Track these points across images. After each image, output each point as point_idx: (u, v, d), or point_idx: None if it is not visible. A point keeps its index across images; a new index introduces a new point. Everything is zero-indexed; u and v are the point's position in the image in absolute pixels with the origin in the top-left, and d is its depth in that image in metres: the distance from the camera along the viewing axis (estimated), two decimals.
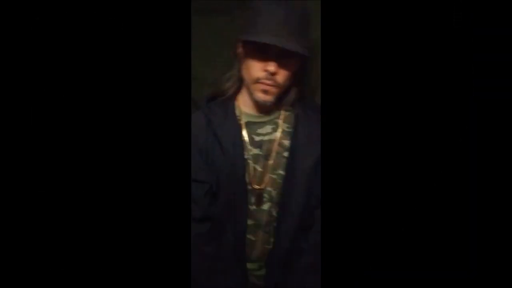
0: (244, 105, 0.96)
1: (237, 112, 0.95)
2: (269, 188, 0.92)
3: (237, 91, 0.97)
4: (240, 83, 0.96)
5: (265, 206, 0.92)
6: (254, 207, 0.92)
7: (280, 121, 0.95)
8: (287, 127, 0.95)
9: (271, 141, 0.93)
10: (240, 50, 0.91)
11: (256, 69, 0.88)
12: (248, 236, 0.92)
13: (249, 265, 0.93)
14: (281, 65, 0.86)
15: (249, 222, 0.92)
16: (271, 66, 0.85)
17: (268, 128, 0.94)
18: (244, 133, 0.94)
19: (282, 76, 0.88)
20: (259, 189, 0.92)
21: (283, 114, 0.95)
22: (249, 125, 0.94)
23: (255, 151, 0.93)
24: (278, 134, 0.94)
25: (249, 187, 0.92)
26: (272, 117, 0.95)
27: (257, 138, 0.94)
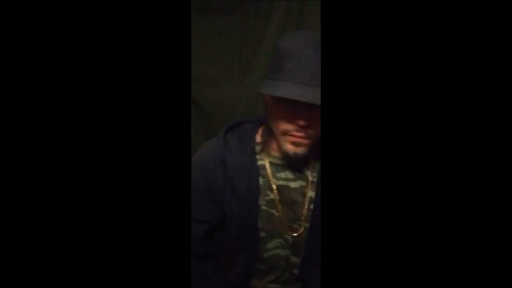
0: (270, 149, 0.86)
1: (259, 155, 0.86)
2: (287, 236, 0.86)
3: (262, 123, 0.88)
4: (269, 133, 0.85)
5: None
6: (270, 253, 0.86)
7: (303, 167, 0.86)
8: (313, 176, 0.87)
9: (292, 189, 0.86)
10: (265, 98, 0.83)
11: (284, 121, 0.79)
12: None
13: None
14: (313, 117, 0.77)
15: (260, 266, 0.87)
16: (301, 121, 0.77)
17: (289, 174, 0.86)
18: (262, 178, 0.85)
19: (315, 128, 0.79)
20: (296, 236, 0.85)
21: (310, 159, 0.86)
22: (270, 166, 0.86)
23: (271, 195, 0.85)
24: (301, 182, 0.86)
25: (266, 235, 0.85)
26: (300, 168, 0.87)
27: (276, 183, 0.85)
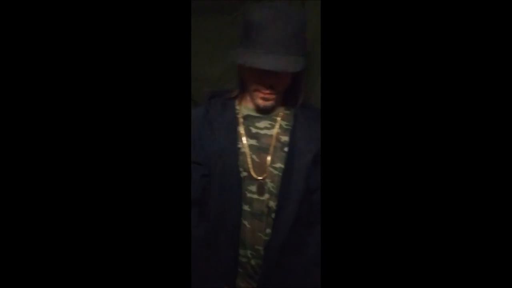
0: (245, 103, 1.01)
1: (237, 108, 1.01)
2: (267, 180, 0.95)
3: (239, 93, 1.02)
4: (242, 87, 1.00)
5: (264, 197, 0.94)
6: (255, 196, 0.94)
7: (278, 118, 0.99)
8: (286, 125, 0.99)
9: (268, 136, 0.97)
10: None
11: (254, 81, 0.94)
12: (244, 221, 0.93)
13: (242, 252, 0.94)
14: (279, 78, 0.92)
15: (245, 208, 0.94)
16: (269, 81, 0.91)
17: (265, 123, 0.98)
18: (241, 125, 0.98)
19: (281, 85, 0.94)
20: (261, 179, 0.94)
21: (282, 112, 1.00)
22: (247, 118, 0.99)
23: (252, 141, 0.97)
24: (275, 129, 0.98)
25: (247, 175, 0.94)
26: (270, 115, 1.00)
27: (254, 130, 0.98)
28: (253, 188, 0.94)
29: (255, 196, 0.94)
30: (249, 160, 0.95)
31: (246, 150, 0.96)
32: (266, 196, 0.94)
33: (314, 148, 0.94)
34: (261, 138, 0.97)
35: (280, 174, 0.94)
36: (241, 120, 0.98)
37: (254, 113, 0.99)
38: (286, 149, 0.96)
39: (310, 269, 0.94)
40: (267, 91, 0.93)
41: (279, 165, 0.95)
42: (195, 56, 0.86)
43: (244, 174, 0.95)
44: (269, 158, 0.95)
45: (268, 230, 0.93)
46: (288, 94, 0.99)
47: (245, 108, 1.00)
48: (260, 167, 0.95)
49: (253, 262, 0.94)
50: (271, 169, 0.95)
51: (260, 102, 0.95)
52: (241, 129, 0.98)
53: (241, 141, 0.97)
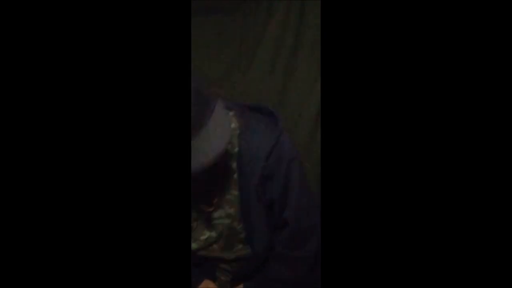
0: None
1: None
2: (225, 206, 0.96)
3: None
4: None
5: (223, 221, 0.97)
6: (217, 221, 0.97)
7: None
8: (231, 150, 0.94)
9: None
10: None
11: None
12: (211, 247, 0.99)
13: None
14: None
15: (212, 234, 0.98)
16: None
17: None
18: None
19: None
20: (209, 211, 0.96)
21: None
22: None
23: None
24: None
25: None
26: None
27: None
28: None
29: (217, 221, 0.96)
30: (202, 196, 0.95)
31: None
32: (227, 220, 0.96)
33: (259, 170, 0.92)
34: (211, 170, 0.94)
35: (236, 200, 0.95)
36: None
37: None
38: (235, 176, 0.94)
39: (274, 265, 0.99)
40: None
41: (233, 192, 0.95)
42: (195, 56, 0.86)
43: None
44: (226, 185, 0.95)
45: (239, 246, 0.98)
46: None
47: None
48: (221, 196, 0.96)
49: (225, 266, 1.01)
50: (228, 196, 0.95)
51: None
52: None
53: None
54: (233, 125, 0.94)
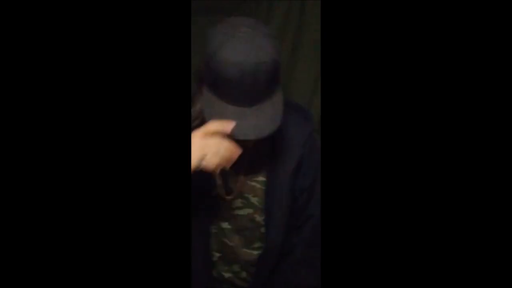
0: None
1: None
2: (247, 195, 0.92)
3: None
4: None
5: (243, 212, 0.92)
6: (236, 211, 0.91)
7: (249, 196, 0.92)
8: (259, 202, 0.92)
9: (241, 216, 0.92)
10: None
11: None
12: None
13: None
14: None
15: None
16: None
17: (238, 203, 0.92)
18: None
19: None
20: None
21: (256, 187, 0.92)
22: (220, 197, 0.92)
23: (224, 224, 0.92)
24: (248, 210, 0.92)
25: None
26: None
27: (227, 211, 0.92)
28: (234, 268, 0.92)
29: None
30: (219, 242, 0.92)
31: (216, 231, 0.92)
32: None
33: (296, 153, 0.89)
34: (234, 219, 0.91)
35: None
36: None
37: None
38: (262, 229, 0.91)
39: (297, 269, 0.92)
40: None
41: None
42: (195, 56, 0.86)
43: (218, 255, 0.93)
44: (241, 240, 0.91)
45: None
46: None
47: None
48: (232, 250, 0.92)
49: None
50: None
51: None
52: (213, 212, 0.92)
53: (213, 223, 0.91)
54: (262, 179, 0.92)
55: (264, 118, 0.77)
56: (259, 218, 0.91)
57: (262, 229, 0.92)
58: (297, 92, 1.23)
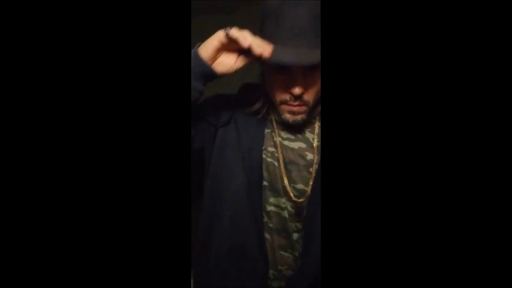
0: (274, 114, 0.88)
1: (267, 115, 0.88)
2: (304, 128, 0.87)
3: (264, 106, 0.88)
4: (270, 102, 0.87)
5: (285, 214, 0.86)
6: (274, 209, 0.85)
7: (307, 131, 0.88)
8: (315, 139, 0.87)
9: (290, 149, 0.87)
10: (262, 68, 0.85)
11: (279, 89, 0.80)
12: (266, 235, 0.85)
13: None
14: (307, 83, 0.79)
15: (267, 221, 0.85)
16: (296, 89, 0.78)
17: (290, 134, 0.88)
18: (267, 129, 0.87)
19: (310, 94, 0.80)
20: (298, 202, 0.85)
21: (315, 124, 0.87)
22: (273, 121, 0.87)
23: (273, 150, 0.86)
24: (300, 144, 0.87)
25: (268, 185, 0.85)
26: (301, 126, 0.87)
27: (277, 139, 0.87)
28: (278, 202, 0.85)
29: (274, 209, 0.85)
30: (267, 168, 0.85)
31: (265, 157, 0.86)
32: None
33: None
34: (283, 149, 0.86)
35: (300, 195, 0.84)
36: (268, 122, 0.87)
37: (287, 135, 0.87)
38: (311, 169, 0.85)
39: None
40: (295, 103, 0.80)
41: (300, 186, 0.85)
42: None
43: (265, 183, 0.86)
44: (287, 174, 0.85)
45: (291, 250, 0.85)
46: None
47: (274, 116, 0.88)
48: (278, 181, 0.85)
49: (274, 284, 0.86)
50: (289, 188, 0.85)
51: (289, 117, 0.82)
52: (266, 132, 0.87)
53: (265, 145, 0.86)
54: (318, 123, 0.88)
55: (305, 50, 0.74)
56: (310, 156, 0.86)
57: (310, 169, 0.85)
58: None
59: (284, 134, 0.87)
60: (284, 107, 0.81)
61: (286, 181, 0.85)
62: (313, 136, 0.87)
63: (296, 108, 0.80)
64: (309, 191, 0.84)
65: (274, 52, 0.73)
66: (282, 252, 0.85)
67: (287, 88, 0.79)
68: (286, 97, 0.80)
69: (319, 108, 0.86)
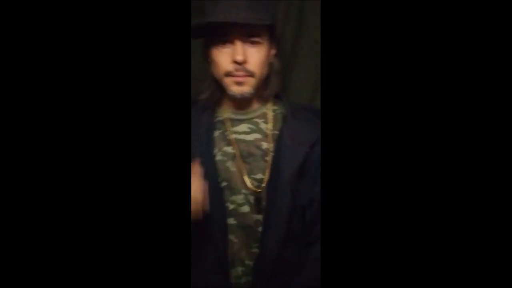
0: (226, 105, 0.90)
1: (217, 112, 0.90)
2: (257, 120, 0.89)
3: (216, 95, 0.90)
4: (218, 86, 0.87)
5: (245, 209, 0.87)
6: (239, 208, 0.86)
7: (260, 121, 0.89)
8: (269, 129, 0.89)
9: (247, 142, 0.88)
10: (204, 48, 0.86)
11: (222, 62, 0.82)
12: (230, 236, 0.86)
13: (232, 271, 0.87)
14: (249, 51, 0.82)
15: (230, 221, 0.86)
16: (238, 55, 0.80)
17: (245, 127, 0.89)
18: (217, 130, 0.89)
19: (253, 64, 0.83)
20: (257, 192, 0.85)
21: (267, 112, 0.90)
22: (225, 122, 0.89)
23: (227, 148, 0.87)
24: (255, 135, 0.88)
25: (227, 185, 0.86)
26: (251, 115, 0.90)
27: (231, 136, 0.88)
28: (237, 199, 0.86)
29: (240, 208, 0.86)
30: (224, 168, 0.86)
31: (221, 158, 0.87)
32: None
33: (301, 156, 0.84)
34: (239, 144, 0.87)
35: (262, 184, 0.85)
36: (218, 124, 0.89)
37: (234, 116, 0.90)
38: (267, 158, 0.86)
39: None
40: (240, 73, 0.81)
41: (259, 176, 0.86)
42: (195, 56, 0.86)
43: (224, 184, 0.86)
44: (246, 167, 0.86)
45: (256, 244, 0.86)
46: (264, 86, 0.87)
47: (225, 110, 0.90)
48: (237, 177, 0.86)
49: (243, 279, 0.87)
50: (249, 180, 0.86)
51: (235, 89, 0.83)
52: (217, 134, 0.88)
53: (217, 147, 0.87)
54: (279, 109, 0.90)
55: (256, 14, 0.77)
56: (266, 145, 0.87)
57: (266, 158, 0.87)
58: (297, 92, 1.23)
59: (239, 129, 0.89)
60: (229, 79, 0.83)
61: (245, 174, 0.86)
62: (267, 125, 0.89)
63: (240, 78, 0.82)
64: (266, 179, 0.86)
65: (210, 9, 0.77)
66: (249, 249, 0.86)
67: (228, 58, 0.81)
68: (230, 67, 0.82)
69: (271, 91, 0.88)
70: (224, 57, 0.82)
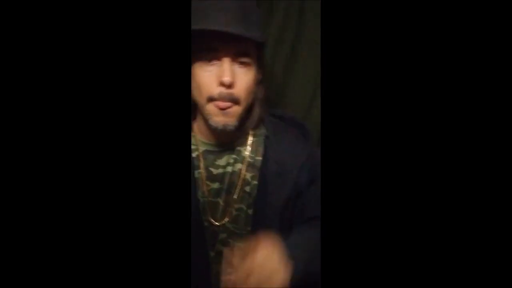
0: (200, 133, 0.82)
1: (192, 141, 0.82)
2: (228, 225, 0.82)
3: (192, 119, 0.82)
4: (194, 108, 0.80)
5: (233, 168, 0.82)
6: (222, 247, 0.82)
7: (242, 149, 0.82)
8: (250, 157, 0.82)
9: (232, 174, 0.82)
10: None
11: (206, 84, 0.73)
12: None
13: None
14: (237, 72, 0.73)
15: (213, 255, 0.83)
16: (226, 76, 0.71)
17: (228, 159, 0.82)
18: (199, 167, 0.81)
19: (240, 88, 0.74)
20: (217, 225, 0.81)
21: (249, 138, 0.83)
22: (205, 156, 0.82)
23: (214, 185, 0.81)
24: (239, 165, 0.82)
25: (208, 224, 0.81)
26: (233, 146, 0.82)
27: (215, 171, 0.82)
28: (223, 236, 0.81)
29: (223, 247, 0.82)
30: (211, 207, 0.80)
31: (211, 197, 0.81)
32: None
33: (289, 181, 0.78)
34: (225, 178, 0.81)
35: (243, 215, 0.80)
36: (198, 160, 0.81)
37: (212, 148, 0.82)
38: (248, 188, 0.80)
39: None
40: (225, 96, 0.71)
41: (242, 206, 0.81)
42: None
43: (206, 224, 0.81)
44: (233, 199, 0.81)
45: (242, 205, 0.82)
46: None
47: (201, 141, 0.82)
48: (224, 210, 0.81)
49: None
50: (235, 212, 0.81)
51: (218, 120, 0.74)
52: (201, 172, 0.80)
53: (203, 187, 0.80)
54: (259, 131, 0.83)
55: (247, 29, 0.70)
56: (245, 174, 0.81)
57: (246, 188, 0.81)
58: (297, 92, 1.23)
59: (221, 162, 0.81)
60: (212, 106, 0.73)
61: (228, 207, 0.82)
62: (249, 153, 0.82)
63: (224, 104, 0.72)
64: (246, 209, 0.81)
65: (198, 17, 0.70)
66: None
67: (215, 79, 0.72)
68: (214, 91, 0.73)
69: (252, 122, 0.80)
70: (209, 78, 0.73)
